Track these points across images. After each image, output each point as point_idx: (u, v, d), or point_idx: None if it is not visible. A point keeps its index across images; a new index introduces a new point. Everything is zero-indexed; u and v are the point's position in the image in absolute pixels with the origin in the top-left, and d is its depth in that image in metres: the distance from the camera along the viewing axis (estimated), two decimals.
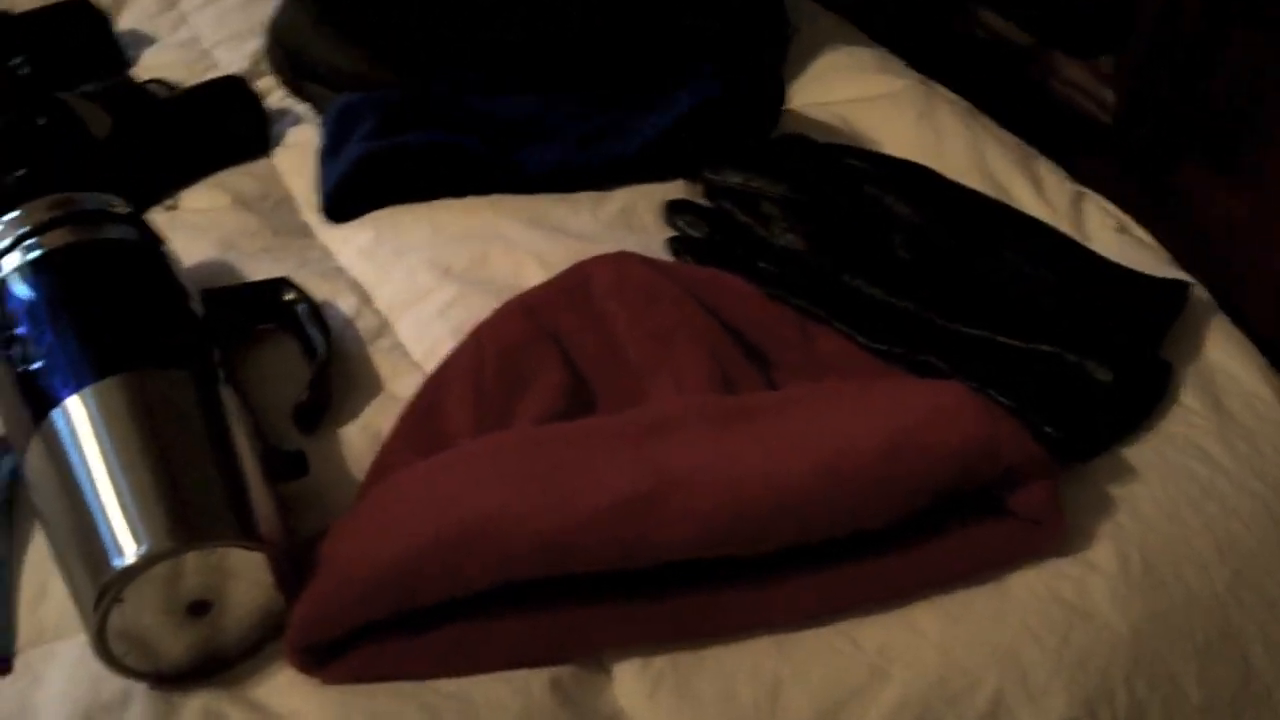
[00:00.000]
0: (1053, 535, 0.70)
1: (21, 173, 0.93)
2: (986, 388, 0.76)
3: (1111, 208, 0.94)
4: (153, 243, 0.81)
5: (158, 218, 0.95)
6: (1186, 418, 0.79)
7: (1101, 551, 0.72)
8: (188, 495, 0.66)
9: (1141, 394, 0.80)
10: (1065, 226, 0.92)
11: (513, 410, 0.76)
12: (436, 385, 0.78)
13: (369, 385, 0.82)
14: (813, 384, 0.76)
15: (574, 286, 0.83)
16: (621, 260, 0.83)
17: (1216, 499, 0.75)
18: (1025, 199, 0.95)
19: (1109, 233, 0.92)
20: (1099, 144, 1.09)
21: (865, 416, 0.70)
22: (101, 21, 1.13)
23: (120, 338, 0.73)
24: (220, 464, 0.68)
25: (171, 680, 0.66)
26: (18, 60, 1.01)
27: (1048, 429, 0.74)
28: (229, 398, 0.73)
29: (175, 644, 0.65)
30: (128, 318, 0.74)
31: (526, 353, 0.79)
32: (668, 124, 0.96)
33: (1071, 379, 0.78)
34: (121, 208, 0.82)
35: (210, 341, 0.76)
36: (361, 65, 1.04)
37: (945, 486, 0.68)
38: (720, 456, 0.67)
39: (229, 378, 0.75)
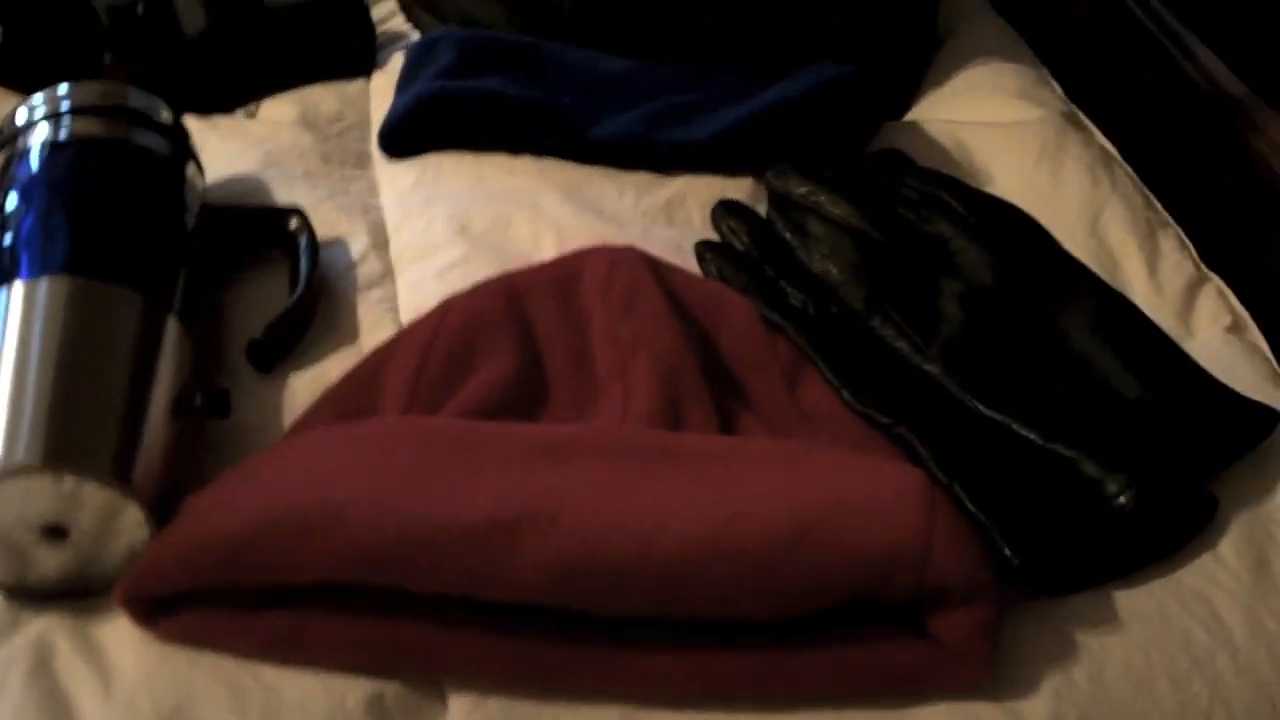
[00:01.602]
0: (974, 672, 0.60)
1: (109, 56, 0.93)
2: (956, 484, 0.65)
3: (1235, 302, 0.80)
4: (177, 159, 0.79)
5: (228, 122, 0.94)
6: (1212, 570, 0.66)
7: (1035, 707, 0.60)
8: (73, 419, 0.64)
9: (1166, 528, 0.67)
10: (1168, 314, 0.79)
11: (452, 393, 0.71)
12: (385, 353, 0.73)
13: (344, 334, 0.78)
14: (758, 439, 0.68)
15: (564, 277, 0.77)
16: (619, 258, 0.76)
17: (1208, 679, 0.62)
18: (1134, 273, 0.82)
19: (1217, 330, 0.78)
20: None
21: (786, 489, 0.61)
22: None
23: (87, 243, 0.71)
24: (125, 396, 0.66)
25: (34, 596, 0.65)
26: None
27: (1007, 552, 0.63)
28: (172, 328, 0.70)
29: (40, 562, 0.64)
30: (104, 226, 0.73)
31: (486, 335, 0.73)
32: (750, 114, 0.87)
33: (1082, 495, 0.67)
34: (166, 115, 0.81)
35: (179, 268, 0.74)
36: (477, 2, 0.99)
37: (854, 590, 0.59)
38: (602, 497, 0.60)
39: (191, 305, 0.73)
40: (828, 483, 0.61)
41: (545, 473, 0.62)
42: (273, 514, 0.60)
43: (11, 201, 0.74)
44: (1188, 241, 0.85)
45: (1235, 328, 0.79)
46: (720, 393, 0.71)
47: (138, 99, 0.81)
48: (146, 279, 0.71)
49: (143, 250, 0.73)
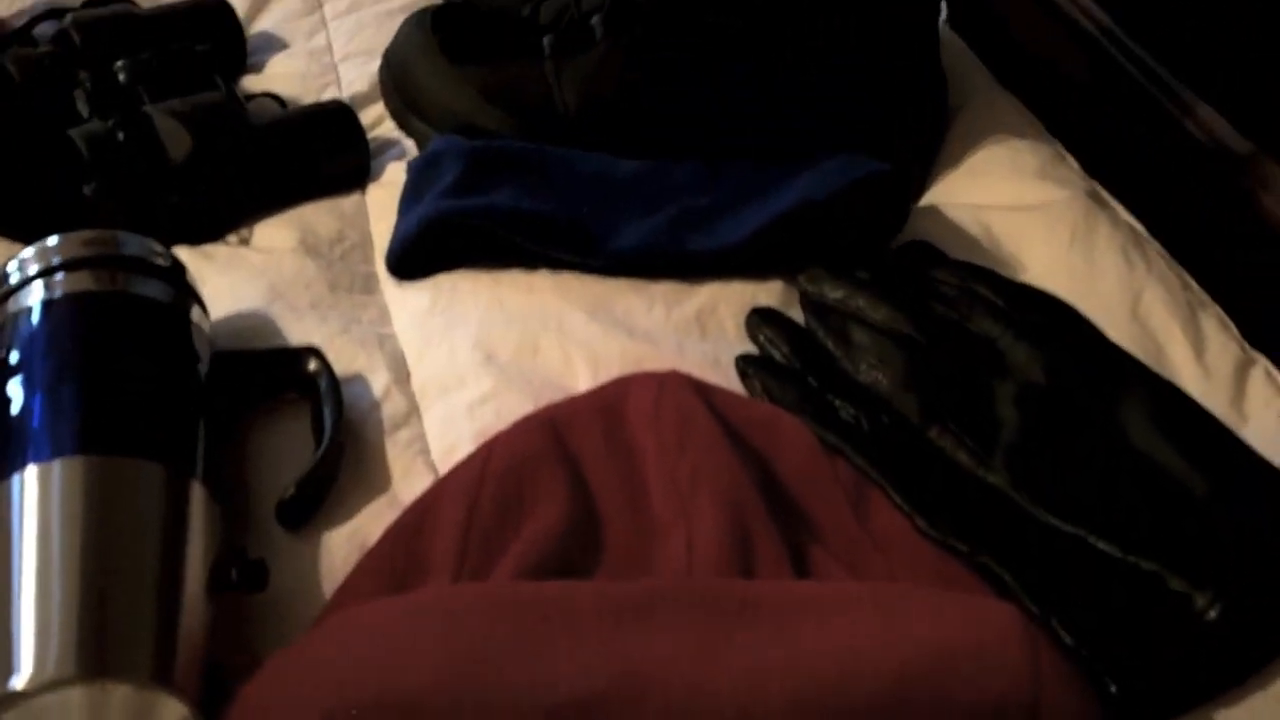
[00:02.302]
0: None
1: (91, 187, 0.89)
2: (1050, 617, 0.63)
3: None
4: (181, 304, 0.76)
5: (221, 250, 0.91)
6: None
7: None
8: (107, 619, 0.60)
9: (1256, 640, 0.65)
10: (1222, 400, 0.78)
11: (504, 547, 0.68)
12: (427, 504, 0.70)
13: (375, 483, 0.75)
14: (838, 583, 0.65)
15: (609, 406, 0.74)
16: (667, 384, 0.74)
17: None
18: (1181, 360, 0.80)
19: (1271, 416, 0.77)
20: None
21: (882, 641, 0.58)
22: (234, 25, 1.09)
23: (99, 416, 0.68)
24: (158, 582, 0.62)
25: None
26: (120, 64, 0.97)
27: (1111, 687, 0.61)
28: (198, 495, 0.67)
29: None
30: (115, 394, 0.69)
31: (534, 476, 0.70)
32: (773, 217, 0.85)
33: (1169, 609, 0.65)
34: (163, 258, 0.77)
35: (198, 425, 0.71)
36: (472, 106, 0.96)
37: None
38: (689, 666, 0.57)
39: (213, 461, 0.70)
40: (924, 631, 0.59)
41: (624, 641, 0.59)
42: (340, 712, 0.57)
43: (11, 374, 0.70)
44: (1229, 320, 0.83)
45: None
46: (786, 526, 0.68)
47: (131, 244, 0.77)
48: (166, 446, 0.68)
49: (159, 414, 0.70)
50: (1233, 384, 0.79)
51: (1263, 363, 0.80)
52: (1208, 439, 0.74)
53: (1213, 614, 0.64)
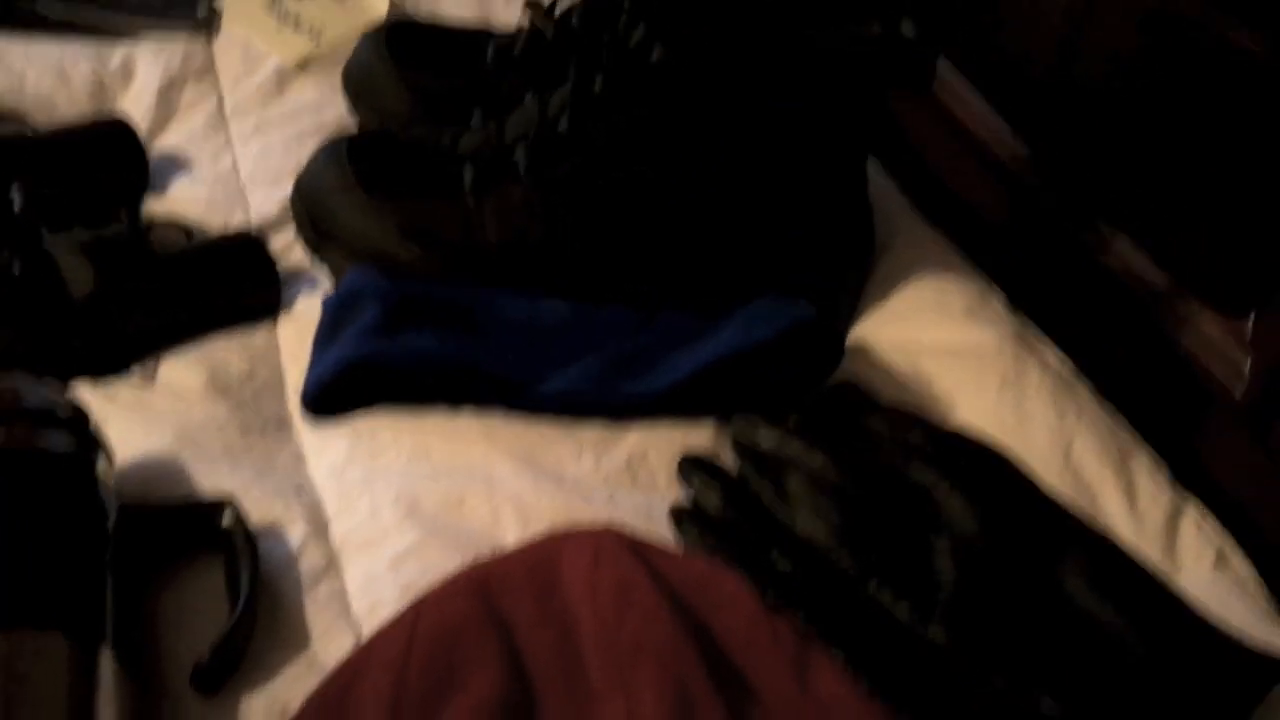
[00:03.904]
0: None
1: None
2: None
3: (1213, 529, 0.82)
4: (85, 456, 0.74)
5: (124, 391, 0.89)
6: None
7: None
8: None
9: None
10: (1155, 550, 0.80)
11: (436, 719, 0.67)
12: (351, 673, 0.69)
13: (294, 642, 0.74)
14: None
15: (542, 564, 0.74)
16: (603, 546, 0.74)
17: None
18: (1114, 508, 0.83)
19: (1204, 566, 0.80)
20: (1229, 420, 0.96)
21: None
22: (135, 148, 1.08)
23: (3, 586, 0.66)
24: None
25: None
26: (15, 192, 0.95)
27: None
28: (107, 667, 0.65)
29: None
30: (16, 562, 0.68)
31: (465, 643, 0.70)
32: (708, 362, 0.86)
33: None
34: (65, 409, 0.76)
35: (105, 586, 0.69)
36: (388, 239, 0.97)
37: None
38: None
39: (122, 622, 0.69)
40: None
41: None
42: None
43: None
44: (1160, 462, 0.86)
45: (1220, 560, 0.80)
46: (729, 695, 0.68)
47: (32, 393, 0.76)
48: (71, 615, 0.67)
49: (63, 580, 0.69)
50: (1165, 533, 0.81)
51: (1192, 509, 0.83)
52: (1144, 596, 0.76)
53: None
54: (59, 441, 0.74)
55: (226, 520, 0.77)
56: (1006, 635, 0.73)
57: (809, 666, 0.71)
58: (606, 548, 0.74)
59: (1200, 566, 0.80)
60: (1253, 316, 0.94)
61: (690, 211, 0.94)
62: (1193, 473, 0.88)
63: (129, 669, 0.68)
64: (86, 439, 0.75)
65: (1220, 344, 0.98)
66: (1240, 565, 0.80)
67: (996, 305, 0.97)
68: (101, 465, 0.75)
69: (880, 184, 1.10)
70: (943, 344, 0.94)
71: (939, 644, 0.72)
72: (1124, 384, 0.97)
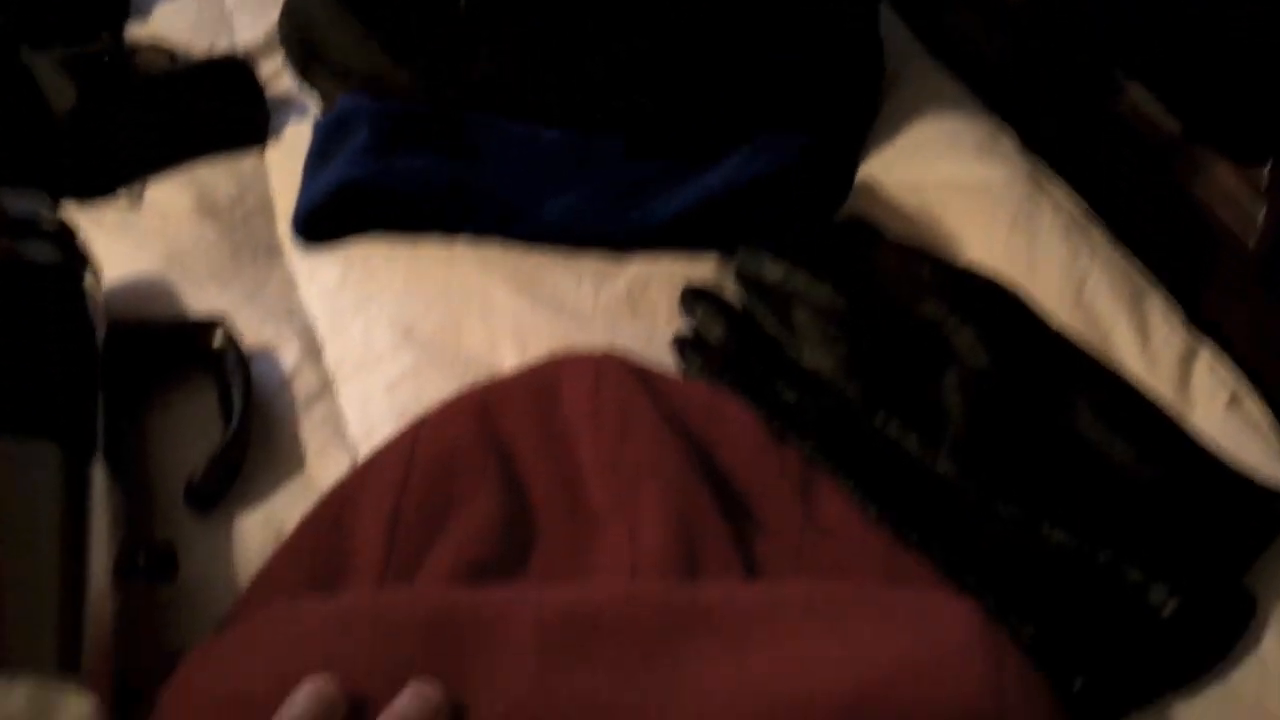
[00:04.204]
0: None
1: None
2: (1009, 611, 0.64)
3: (1226, 371, 0.81)
4: (73, 268, 0.72)
5: (115, 215, 0.87)
6: (1263, 672, 0.66)
7: None
8: (6, 606, 0.57)
9: (1212, 633, 0.67)
10: (1168, 389, 0.79)
11: (432, 542, 0.66)
12: (349, 493, 0.68)
13: (288, 464, 0.73)
14: (791, 585, 0.64)
15: (542, 388, 0.72)
16: (604, 368, 0.72)
17: None
18: (1126, 347, 0.81)
19: (1217, 406, 0.78)
20: (1241, 269, 0.95)
21: (837, 655, 0.56)
22: None
23: None
24: (59, 570, 0.59)
25: None
26: None
27: (1077, 681, 0.61)
28: (99, 477, 0.64)
29: None
30: (7, 368, 0.66)
31: (464, 465, 0.68)
32: (712, 192, 0.84)
33: (1127, 602, 0.66)
34: (50, 219, 0.74)
35: (96, 399, 0.68)
36: (379, 64, 0.94)
37: None
38: (641, 697, 0.55)
39: (113, 440, 0.67)
40: (881, 643, 0.57)
41: (565, 671, 0.56)
42: (253, 709, 0.54)
43: None
44: (1174, 305, 0.85)
45: (1234, 400, 0.79)
46: (733, 519, 0.67)
47: (14, 201, 0.74)
48: (62, 423, 0.65)
49: (53, 388, 0.67)
50: (1178, 373, 0.80)
51: (1206, 351, 0.82)
52: (1155, 430, 0.75)
53: (1170, 607, 0.65)
54: (44, 252, 0.72)
55: (218, 340, 0.75)
56: (1016, 468, 0.72)
57: (815, 496, 0.70)
58: (608, 372, 0.72)
59: (1213, 407, 0.78)
60: (1269, 165, 0.92)
61: (694, 30, 0.91)
62: (1203, 321, 0.87)
63: (122, 484, 0.67)
64: (72, 252, 0.73)
65: (1234, 192, 0.96)
66: (1254, 407, 0.79)
67: (1008, 144, 0.95)
68: (89, 279, 0.74)
69: (890, 21, 1.07)
70: (952, 181, 0.91)
71: (947, 476, 0.72)
72: (1135, 232, 0.95)
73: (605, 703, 0.55)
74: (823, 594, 0.60)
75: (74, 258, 0.73)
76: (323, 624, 0.58)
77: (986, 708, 0.55)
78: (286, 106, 0.98)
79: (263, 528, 0.69)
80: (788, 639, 0.57)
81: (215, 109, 0.94)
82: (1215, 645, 0.67)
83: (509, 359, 0.78)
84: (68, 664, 0.57)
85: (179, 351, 0.76)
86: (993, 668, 0.56)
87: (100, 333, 0.72)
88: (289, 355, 0.78)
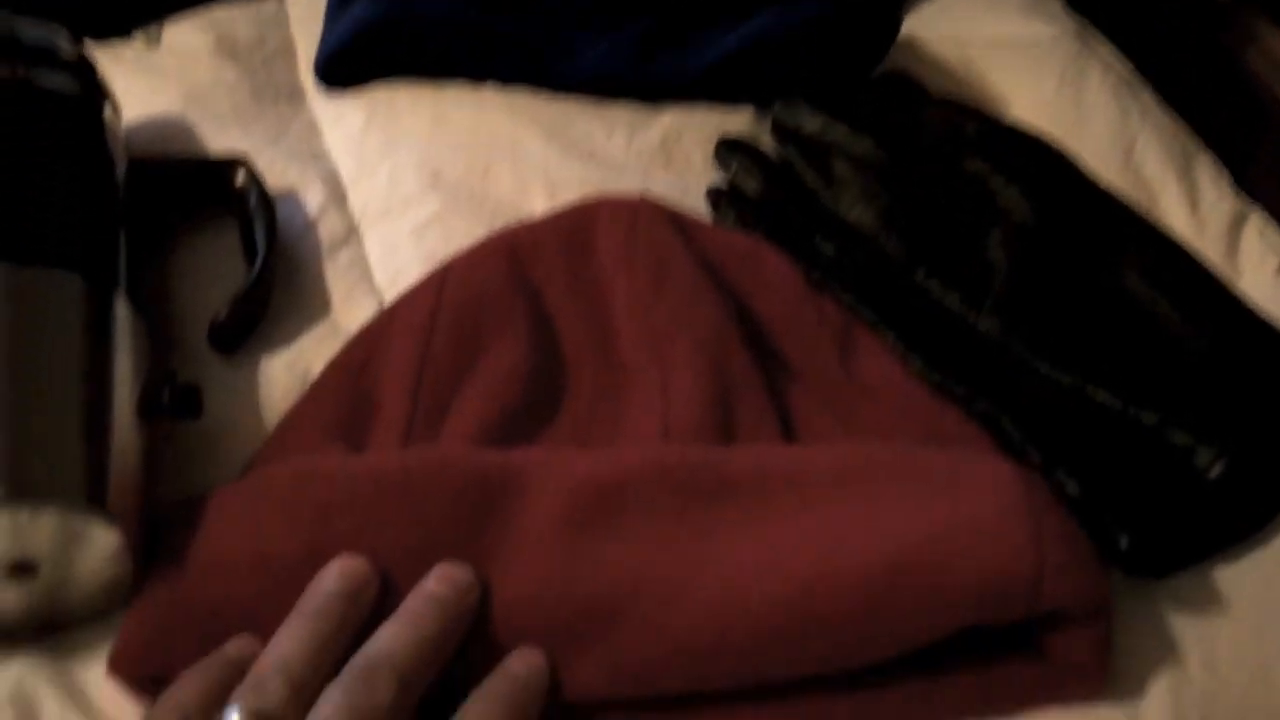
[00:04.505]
0: (1089, 689, 0.57)
1: None
2: (1055, 467, 0.62)
3: (1277, 236, 0.79)
4: (92, 100, 0.70)
5: (133, 53, 0.84)
6: None
7: (1152, 707, 0.58)
8: (31, 438, 0.55)
9: (1258, 496, 0.66)
10: (1213, 254, 0.77)
11: (461, 385, 0.65)
12: (376, 337, 0.67)
13: (314, 308, 0.71)
14: (826, 447, 0.62)
15: (575, 232, 0.70)
16: (639, 213, 0.70)
17: None
18: (1174, 210, 0.80)
19: (1267, 271, 0.77)
20: None
21: (872, 520, 0.55)
22: None
23: (9, 220, 0.62)
24: (84, 401, 0.58)
25: None
26: None
27: (1124, 540, 0.60)
28: (122, 311, 0.62)
29: (3, 601, 0.57)
30: (25, 195, 0.64)
31: (493, 309, 0.67)
32: (748, 42, 0.82)
33: (1172, 464, 0.65)
34: (69, 49, 0.71)
35: (118, 234, 0.66)
36: None
37: (959, 625, 0.54)
38: (665, 572, 0.54)
39: (135, 279, 0.66)
40: (916, 506, 0.56)
41: (595, 542, 0.55)
42: (277, 573, 0.54)
43: None
44: (1223, 171, 0.83)
45: None
46: (769, 373, 0.66)
47: (31, 29, 0.71)
48: (85, 255, 0.63)
49: (75, 218, 0.65)
50: (1228, 238, 0.78)
51: (1257, 217, 0.80)
52: (1205, 293, 0.74)
53: (1217, 470, 0.64)
54: (62, 82, 0.70)
55: (240, 179, 0.73)
56: (1060, 327, 0.70)
57: (854, 349, 0.69)
58: (644, 216, 0.70)
59: (1263, 273, 0.77)
60: None
61: None
62: (1251, 191, 0.85)
63: (146, 323, 0.65)
64: (92, 84, 0.71)
65: None
66: None
67: (1054, 3, 0.92)
68: (108, 112, 0.71)
69: None
70: (998, 38, 0.89)
71: (990, 334, 0.70)
72: (1183, 100, 0.93)
73: (634, 576, 0.54)
74: (856, 459, 0.59)
75: (93, 89, 0.71)
76: (352, 493, 0.56)
77: (1025, 573, 0.53)
78: None
79: (288, 371, 0.68)
80: (820, 508, 0.56)
81: None
82: (1262, 508, 0.66)
83: (539, 204, 0.76)
84: (94, 495, 0.55)
85: (201, 189, 0.74)
86: (1032, 532, 0.54)
87: (120, 168, 0.70)
88: (313, 199, 0.76)
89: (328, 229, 0.75)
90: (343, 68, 0.83)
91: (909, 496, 0.56)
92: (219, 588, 0.55)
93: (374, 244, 0.75)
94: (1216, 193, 0.81)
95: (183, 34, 0.86)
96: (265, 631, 0.52)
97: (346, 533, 0.55)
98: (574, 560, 0.55)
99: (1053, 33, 0.89)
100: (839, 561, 0.54)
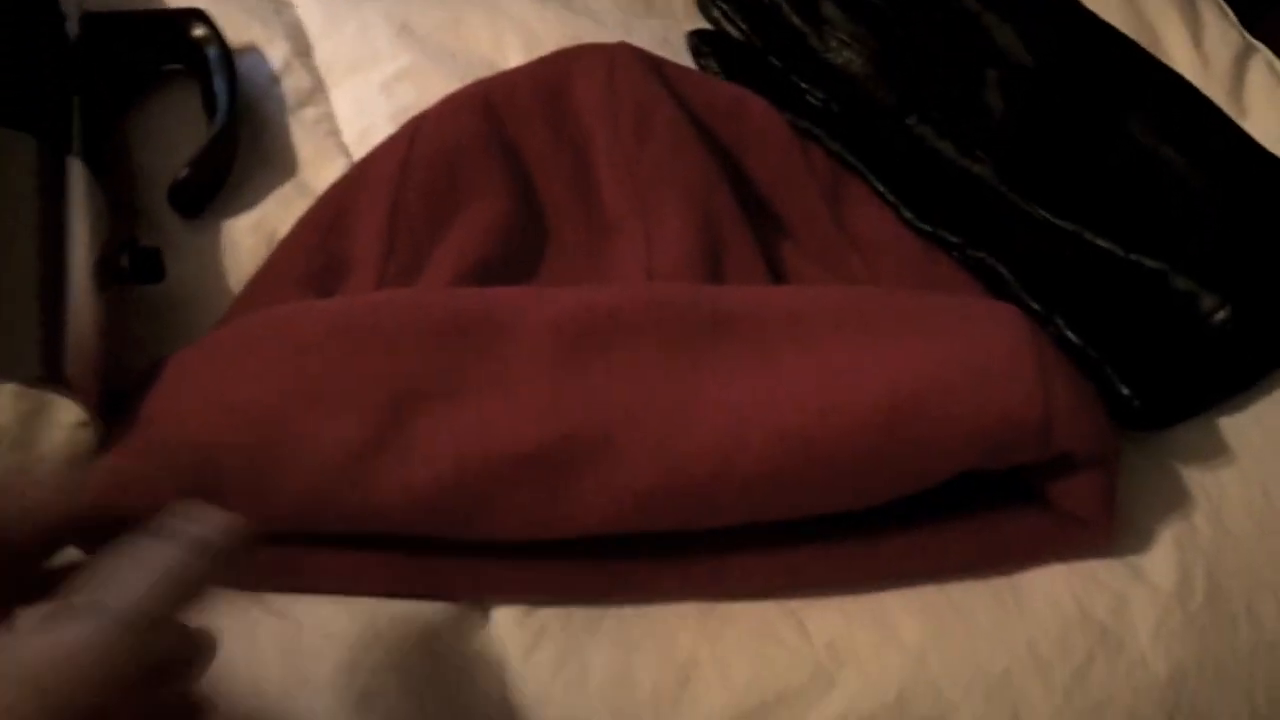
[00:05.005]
0: (1095, 538, 0.56)
1: None
2: (1054, 316, 0.60)
3: None
4: None
5: None
6: None
7: (1157, 560, 0.57)
8: None
9: (1262, 343, 0.64)
10: (1218, 91, 0.74)
11: (437, 240, 0.62)
12: (345, 191, 0.64)
13: (280, 167, 0.68)
14: (820, 289, 0.60)
15: (551, 83, 0.67)
16: (618, 61, 0.67)
17: None
18: (1177, 45, 0.77)
19: (1274, 109, 0.74)
20: None
21: (873, 359, 0.53)
22: None
23: None
24: (38, 268, 0.55)
25: None
26: None
27: (1125, 390, 0.59)
28: (77, 173, 0.60)
29: None
30: None
31: (468, 163, 0.64)
32: None
33: (1175, 311, 0.63)
34: None
35: (71, 93, 0.63)
36: None
37: (963, 468, 0.53)
38: (661, 402, 0.52)
39: (93, 142, 0.62)
40: (919, 345, 0.53)
41: (587, 372, 0.53)
42: (259, 427, 0.52)
43: None
44: (1227, 7, 0.79)
45: None
46: (759, 225, 0.63)
47: None
48: (36, 114, 0.60)
49: (24, 76, 0.62)
50: (1233, 72, 0.76)
51: (1264, 52, 0.77)
52: (1209, 132, 0.71)
53: (1221, 315, 0.62)
54: None
55: (198, 30, 0.70)
56: (1059, 172, 0.68)
57: (843, 200, 0.66)
58: (624, 64, 0.67)
59: (1269, 111, 0.74)
60: None
61: None
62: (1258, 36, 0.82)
63: (103, 187, 0.62)
64: None
65: None
66: None
67: None
68: None
69: None
70: None
71: (985, 180, 0.68)
72: None
73: (625, 408, 0.52)
74: (858, 299, 0.56)
75: None
76: (325, 335, 0.54)
77: (1032, 415, 0.52)
78: None
79: (253, 233, 0.65)
80: (820, 346, 0.53)
81: None
82: (1266, 355, 0.64)
83: (515, 58, 0.73)
84: (52, 369, 0.53)
85: (157, 43, 0.70)
86: (1038, 375, 0.52)
87: (73, 23, 0.67)
88: (276, 53, 0.73)
89: (293, 85, 0.72)
90: None
91: (913, 335, 0.54)
92: (193, 433, 0.52)
93: (342, 100, 0.71)
94: (1221, 28, 0.78)
95: None
96: (236, 478, 0.51)
97: (321, 373, 0.53)
98: (566, 390, 0.52)
99: None
100: (844, 396, 0.51)
